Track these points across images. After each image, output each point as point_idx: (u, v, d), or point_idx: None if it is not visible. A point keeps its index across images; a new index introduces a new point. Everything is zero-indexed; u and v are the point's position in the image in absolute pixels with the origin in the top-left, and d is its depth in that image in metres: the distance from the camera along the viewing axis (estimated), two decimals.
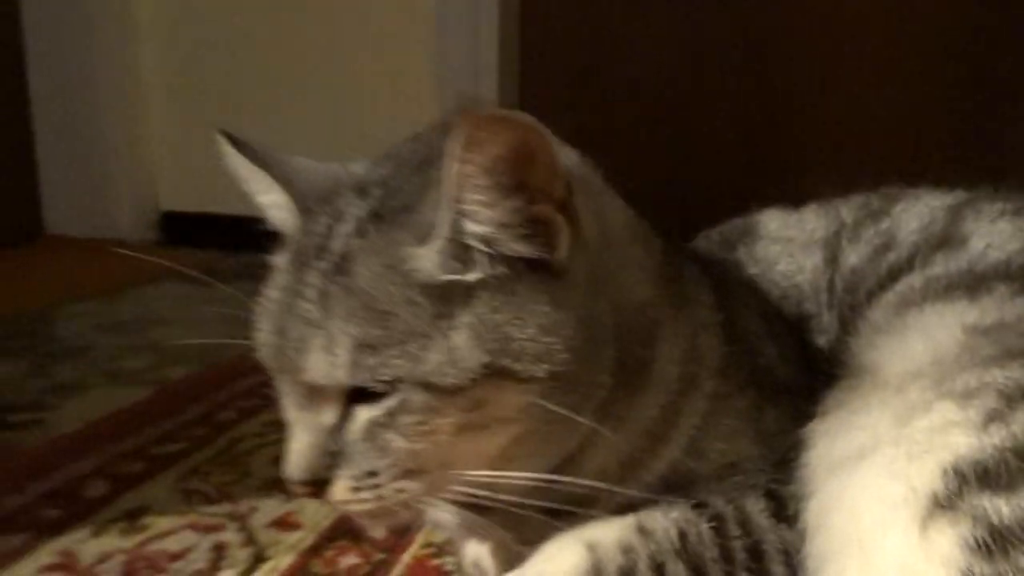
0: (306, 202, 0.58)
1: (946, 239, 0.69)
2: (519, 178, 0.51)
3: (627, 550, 0.56)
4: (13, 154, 2.57)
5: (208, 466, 0.97)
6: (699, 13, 2.25)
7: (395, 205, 0.54)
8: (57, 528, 0.82)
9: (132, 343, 1.53)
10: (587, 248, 0.55)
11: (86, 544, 0.80)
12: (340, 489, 0.53)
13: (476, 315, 0.51)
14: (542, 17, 2.36)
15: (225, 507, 0.87)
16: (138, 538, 0.81)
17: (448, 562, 0.76)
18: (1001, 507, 0.49)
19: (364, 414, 0.52)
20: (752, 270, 0.75)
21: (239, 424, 1.10)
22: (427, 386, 0.51)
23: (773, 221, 0.79)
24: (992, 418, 0.52)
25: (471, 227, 0.51)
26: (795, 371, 0.66)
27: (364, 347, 0.50)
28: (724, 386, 0.63)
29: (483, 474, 0.55)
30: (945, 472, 0.51)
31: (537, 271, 0.53)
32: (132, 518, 0.84)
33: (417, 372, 0.50)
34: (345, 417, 0.53)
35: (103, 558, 0.77)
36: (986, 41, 2.16)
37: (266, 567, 0.76)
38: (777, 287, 0.73)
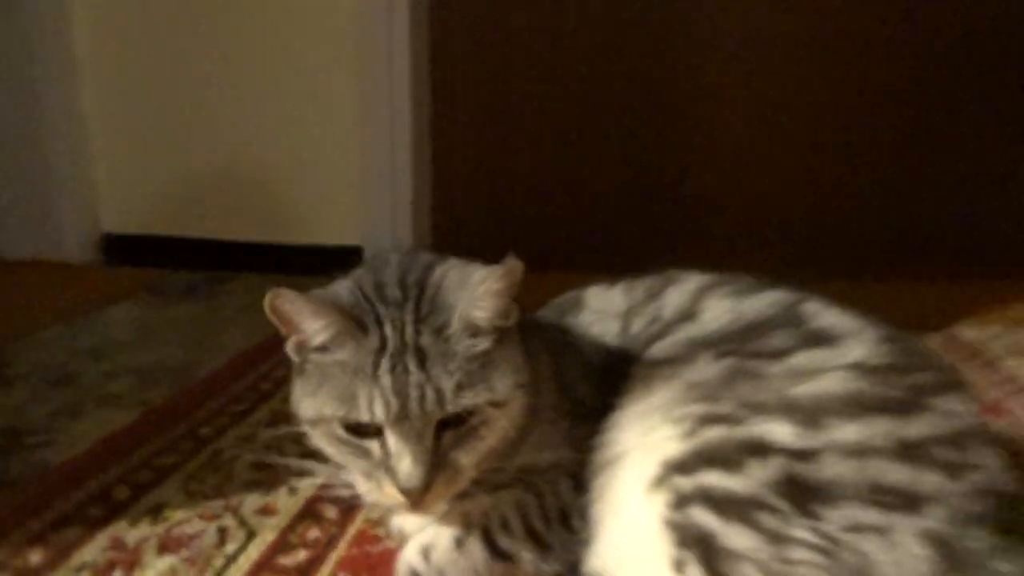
0: (358, 319, 0.90)
1: (689, 316, 1.11)
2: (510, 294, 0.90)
3: (486, 515, 0.96)
4: None
5: (201, 472, 1.33)
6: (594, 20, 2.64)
7: (423, 308, 0.90)
8: (102, 522, 1.17)
9: (112, 368, 1.84)
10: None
11: (127, 532, 1.15)
12: (438, 486, 0.88)
13: (504, 354, 0.90)
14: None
15: (220, 501, 1.23)
16: (163, 526, 1.16)
17: (381, 531, 1.15)
18: (685, 484, 0.90)
19: (448, 435, 0.88)
20: (577, 332, 1.15)
21: (217, 439, 1.45)
22: (493, 404, 0.88)
23: (593, 298, 1.20)
24: (687, 435, 0.93)
25: (481, 315, 0.89)
26: (599, 402, 1.06)
27: (460, 386, 0.87)
28: (554, 413, 1.03)
29: (487, 464, 0.93)
30: (660, 464, 0.92)
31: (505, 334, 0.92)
32: (154, 513, 1.20)
33: (490, 396, 0.88)
34: (436, 440, 0.88)
35: (142, 541, 1.13)
36: (869, 50, 2.64)
37: (256, 541, 1.13)
38: (591, 344, 1.13)
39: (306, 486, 1.26)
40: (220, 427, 1.50)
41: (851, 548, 0.83)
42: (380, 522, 1.15)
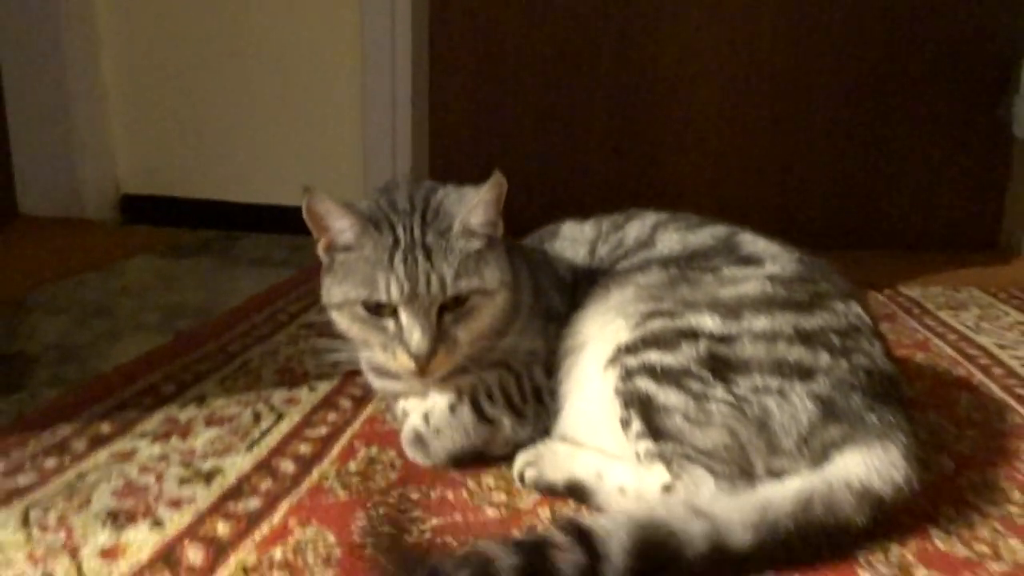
0: (374, 222, 1.14)
1: (646, 243, 1.36)
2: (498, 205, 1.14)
3: (474, 387, 1.20)
4: None
5: (234, 375, 1.57)
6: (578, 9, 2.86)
7: (429, 216, 1.14)
8: (155, 407, 1.41)
9: (142, 304, 2.08)
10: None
11: (178, 413, 1.39)
12: (440, 355, 1.12)
13: (493, 253, 1.15)
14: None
15: (252, 395, 1.47)
16: (206, 410, 1.40)
17: (388, 417, 1.39)
18: (632, 361, 1.14)
19: (448, 316, 1.12)
20: (552, 254, 1.39)
21: (243, 353, 1.69)
22: (484, 292, 1.13)
23: (567, 229, 1.44)
24: (636, 327, 1.17)
25: (475, 221, 1.14)
26: (565, 308, 1.30)
27: (458, 275, 1.11)
28: (531, 312, 1.27)
29: (478, 344, 1.17)
30: (614, 349, 1.16)
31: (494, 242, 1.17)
32: (198, 401, 1.44)
33: (481, 285, 1.12)
34: (439, 320, 1.12)
35: (191, 419, 1.37)
36: (830, 50, 2.87)
37: (284, 421, 1.37)
38: (563, 264, 1.38)
39: (325, 387, 1.51)
40: (246, 345, 1.74)
41: (756, 404, 1.08)
42: (386, 409, 1.40)
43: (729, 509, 0.97)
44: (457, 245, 1.13)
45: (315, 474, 1.19)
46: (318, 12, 2.93)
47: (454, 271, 1.12)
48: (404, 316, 1.12)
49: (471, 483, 1.19)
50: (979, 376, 1.69)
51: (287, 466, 1.21)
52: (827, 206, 3.02)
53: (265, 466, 1.21)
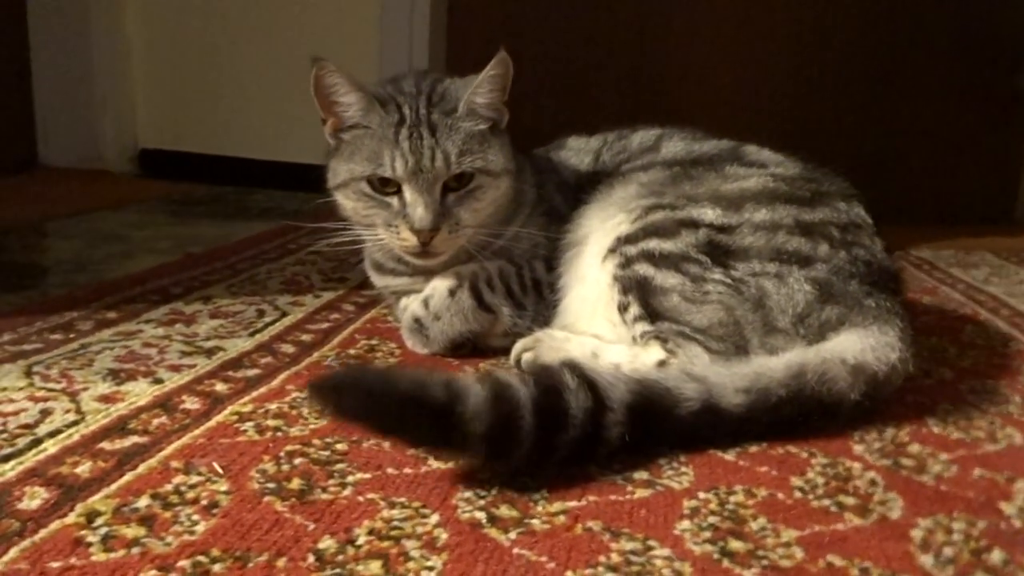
0: (380, 100, 1.16)
1: (651, 148, 1.36)
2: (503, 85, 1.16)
3: (474, 274, 1.21)
4: (12, 96, 3.04)
5: (241, 283, 1.59)
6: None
7: (435, 99, 1.16)
8: (162, 302, 1.43)
9: (155, 235, 2.11)
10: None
11: (183, 308, 1.41)
12: (443, 233, 1.13)
13: (497, 139, 1.16)
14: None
15: (257, 298, 1.49)
16: (212, 306, 1.42)
17: (390, 317, 1.40)
18: (631, 249, 1.14)
19: (452, 195, 1.14)
20: (556, 161, 1.40)
21: (251, 269, 1.71)
22: (487, 172, 1.14)
23: (573, 140, 1.45)
24: (636, 219, 1.18)
25: (480, 101, 1.15)
26: (568, 210, 1.31)
27: (462, 152, 1.12)
28: (535, 209, 1.28)
29: (483, 231, 1.19)
30: (615, 239, 1.17)
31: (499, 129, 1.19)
32: (205, 300, 1.46)
33: (484, 164, 1.14)
34: (443, 198, 1.14)
35: (194, 313, 1.38)
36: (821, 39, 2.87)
37: (288, 318, 1.39)
38: (568, 170, 1.38)
39: (330, 295, 1.53)
40: (255, 263, 1.76)
41: (753, 285, 1.08)
42: (389, 311, 1.41)
43: (722, 374, 0.97)
44: (462, 124, 1.15)
45: (315, 355, 1.20)
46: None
47: (458, 149, 1.13)
48: (408, 191, 1.13)
49: (468, 367, 1.20)
50: (985, 314, 1.68)
51: (287, 348, 1.23)
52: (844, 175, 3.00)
53: (266, 347, 1.23)
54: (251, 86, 3.12)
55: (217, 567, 0.67)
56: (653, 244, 1.13)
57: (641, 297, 1.11)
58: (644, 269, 1.12)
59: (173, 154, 3.21)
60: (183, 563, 0.67)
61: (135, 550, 0.68)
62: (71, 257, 1.82)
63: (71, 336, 1.22)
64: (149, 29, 3.14)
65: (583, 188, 1.34)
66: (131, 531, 0.71)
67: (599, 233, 1.22)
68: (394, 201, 1.15)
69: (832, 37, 2.88)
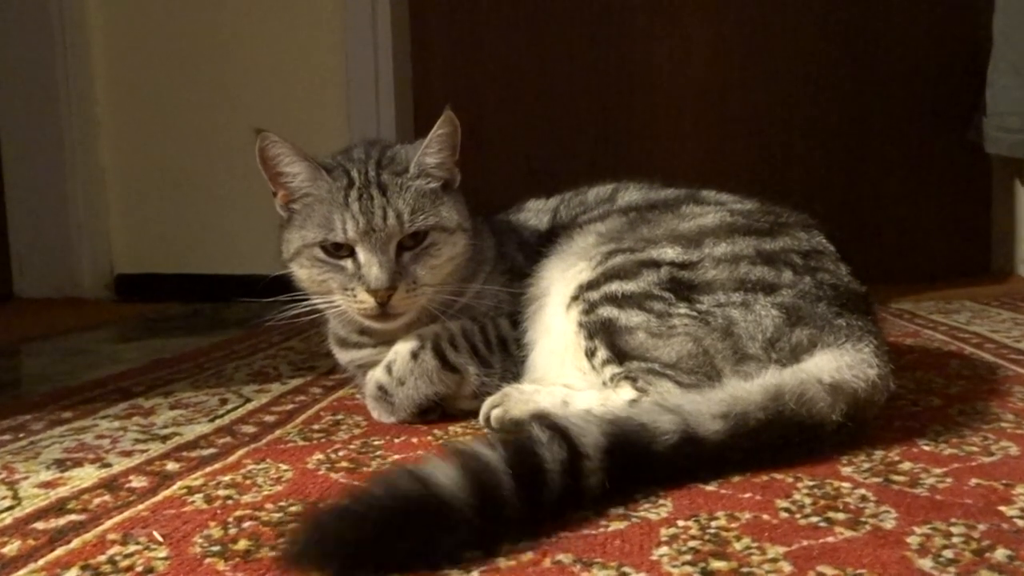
0: (327, 168, 1.15)
1: (607, 200, 1.36)
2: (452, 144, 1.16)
3: (436, 334, 1.18)
4: None
5: (205, 378, 1.54)
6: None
7: (384, 162, 1.16)
8: (121, 400, 1.38)
9: (126, 348, 2.07)
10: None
11: (143, 402, 1.35)
12: (400, 292, 1.10)
13: (450, 198, 1.16)
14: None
15: (222, 389, 1.44)
16: (173, 399, 1.37)
17: (357, 395, 1.35)
18: (594, 295, 1.12)
19: (407, 254, 1.12)
20: (516, 222, 1.39)
21: (218, 367, 1.67)
22: (441, 228, 1.13)
23: (531, 203, 1.45)
24: (597, 265, 1.16)
25: (430, 161, 1.15)
26: (528, 266, 1.29)
27: (414, 210, 1.11)
28: (496, 267, 1.27)
29: (442, 288, 1.16)
30: (577, 287, 1.15)
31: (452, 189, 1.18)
32: (166, 395, 1.41)
33: (438, 221, 1.13)
34: (398, 258, 1.11)
35: (153, 406, 1.33)
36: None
37: (251, 403, 1.33)
38: (527, 230, 1.37)
39: (298, 381, 1.48)
40: (223, 359, 1.72)
41: (719, 315, 1.05)
42: (356, 389, 1.36)
43: (697, 401, 0.92)
44: (413, 183, 1.14)
45: (277, 432, 1.15)
46: (306, 93, 3.03)
47: (410, 207, 1.12)
48: (361, 252, 1.11)
49: (437, 431, 1.14)
50: (970, 349, 1.65)
51: (248, 429, 1.18)
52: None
53: (226, 429, 1.17)
54: (224, 203, 3.15)
55: None
56: (615, 286, 1.11)
57: (607, 339, 1.08)
58: (608, 311, 1.09)
59: (149, 276, 3.21)
60: None
61: None
62: (36, 371, 1.78)
63: (20, 436, 1.16)
64: (122, 156, 3.19)
65: (544, 247, 1.33)
66: None
67: (560, 283, 1.19)
68: (348, 264, 1.13)
69: (793, 115, 2.95)
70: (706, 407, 0.91)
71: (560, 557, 0.71)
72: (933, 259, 2.99)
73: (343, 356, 1.30)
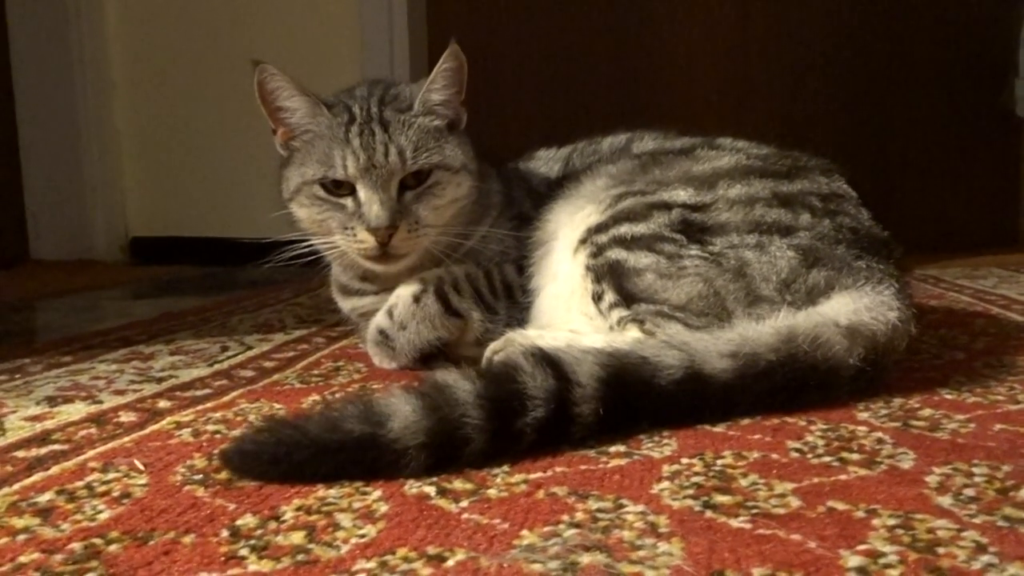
0: (327, 104, 1.11)
1: (623, 149, 1.31)
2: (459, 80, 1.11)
3: (440, 278, 1.14)
4: (3, 192, 3.05)
5: (209, 329, 1.52)
6: None
7: (387, 99, 1.11)
8: (122, 346, 1.36)
9: (137, 305, 2.06)
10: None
11: (143, 349, 1.33)
12: (401, 232, 1.06)
13: (456, 138, 1.11)
14: None
15: (224, 338, 1.42)
16: (174, 346, 1.35)
17: (360, 344, 1.32)
18: (602, 238, 1.08)
19: (409, 194, 1.08)
20: (525, 170, 1.35)
21: (223, 319, 1.65)
22: (445, 167, 1.09)
23: (542, 151, 1.40)
24: (606, 208, 1.11)
25: (436, 97, 1.10)
26: (535, 212, 1.24)
27: (417, 148, 1.07)
28: (503, 212, 1.22)
29: (446, 230, 1.12)
30: (585, 230, 1.10)
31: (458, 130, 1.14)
32: (167, 342, 1.38)
33: (441, 160, 1.09)
34: (400, 197, 1.07)
35: (153, 352, 1.31)
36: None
37: (252, 350, 1.31)
38: (537, 177, 1.33)
39: (302, 332, 1.46)
40: (228, 314, 1.69)
41: (732, 256, 1.00)
42: (358, 338, 1.33)
43: (705, 340, 0.88)
44: (417, 120, 1.10)
45: (275, 376, 1.12)
46: (321, 48, 2.99)
47: (413, 144, 1.07)
48: (362, 190, 1.07)
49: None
50: (997, 310, 1.59)
51: (246, 373, 1.15)
52: None
53: (223, 373, 1.15)
54: (239, 167, 3.13)
55: (113, 547, 0.57)
56: (624, 229, 1.06)
57: (615, 282, 1.04)
58: (616, 253, 1.05)
59: (164, 240, 3.20)
60: (74, 545, 0.58)
61: (20, 537, 0.59)
62: (43, 323, 1.77)
63: (16, 376, 1.14)
64: (137, 118, 3.17)
65: (553, 193, 1.29)
66: (22, 521, 0.62)
67: (568, 227, 1.15)
68: (348, 202, 1.09)
69: (806, 77, 2.87)
70: (714, 345, 0.87)
71: (555, 489, 0.67)
72: (961, 227, 2.90)
73: (345, 304, 1.27)
